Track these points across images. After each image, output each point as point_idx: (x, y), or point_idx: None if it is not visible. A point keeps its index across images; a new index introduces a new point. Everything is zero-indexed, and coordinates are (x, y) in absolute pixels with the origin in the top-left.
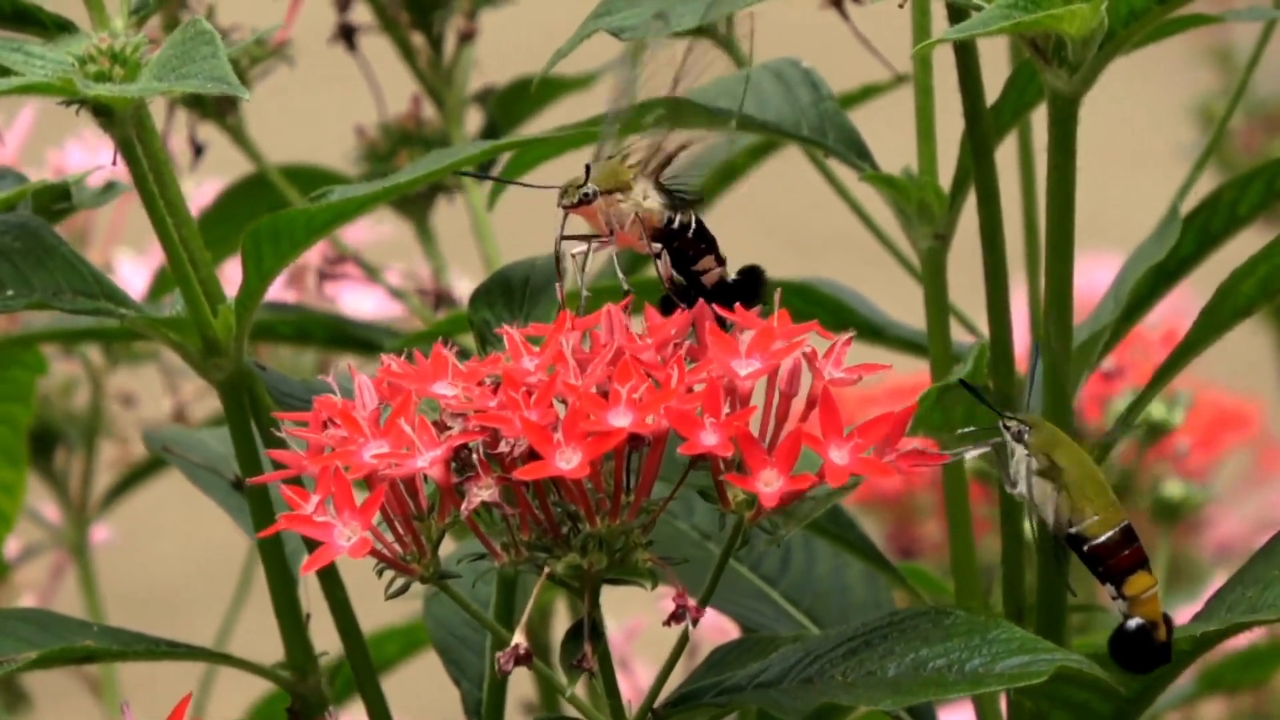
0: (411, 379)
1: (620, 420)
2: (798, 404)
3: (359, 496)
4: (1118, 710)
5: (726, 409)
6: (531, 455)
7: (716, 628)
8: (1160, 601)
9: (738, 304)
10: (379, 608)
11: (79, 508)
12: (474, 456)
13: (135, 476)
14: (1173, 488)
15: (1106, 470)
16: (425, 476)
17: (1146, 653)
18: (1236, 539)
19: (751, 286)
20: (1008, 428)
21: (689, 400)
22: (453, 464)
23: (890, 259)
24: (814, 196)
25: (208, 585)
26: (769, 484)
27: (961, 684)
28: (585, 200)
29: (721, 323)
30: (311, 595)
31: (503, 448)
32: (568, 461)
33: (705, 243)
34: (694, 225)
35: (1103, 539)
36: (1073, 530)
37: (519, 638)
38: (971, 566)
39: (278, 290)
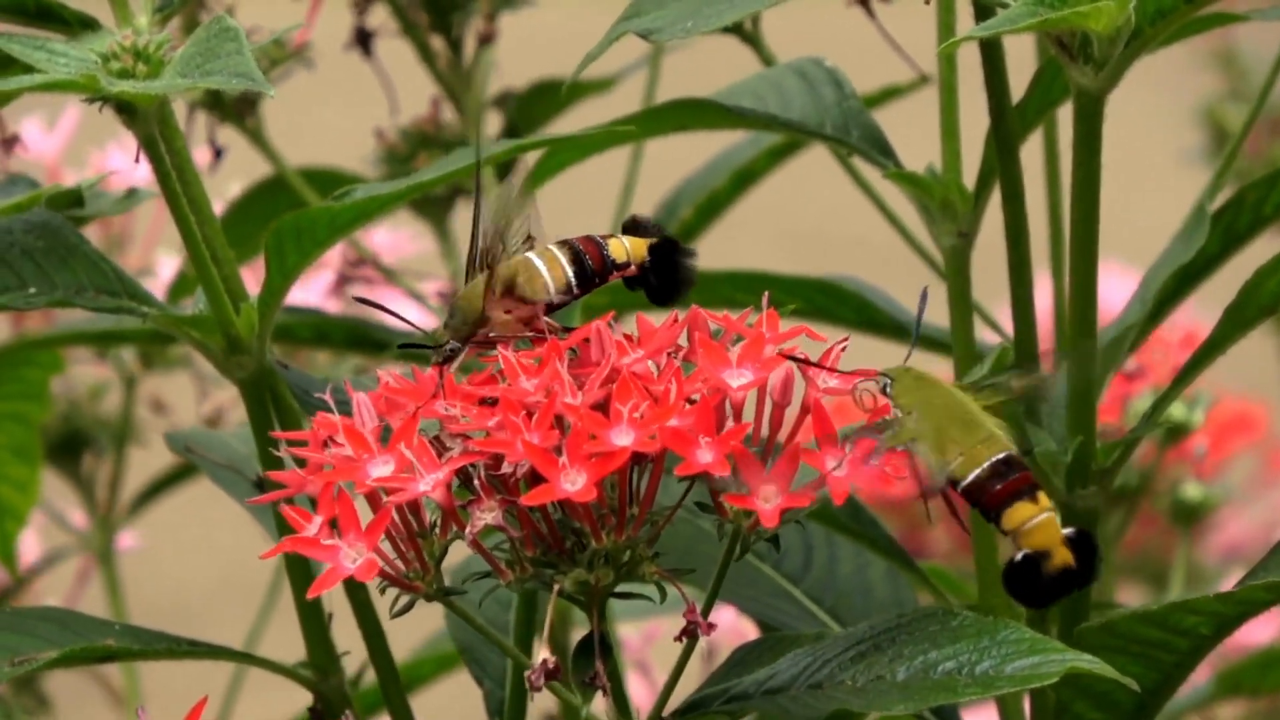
0: (412, 396)
1: (623, 439)
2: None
3: (364, 517)
4: (1140, 702)
5: (730, 421)
6: (535, 477)
7: (734, 629)
8: (1057, 527)
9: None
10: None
11: (105, 513)
12: (475, 480)
13: (164, 483)
14: (1191, 489)
15: (1125, 470)
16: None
17: (1037, 584)
18: (1244, 541)
19: (671, 280)
20: (878, 383)
21: (687, 415)
22: (455, 483)
23: (907, 264)
24: (832, 200)
25: (232, 595)
26: (768, 500)
27: (972, 687)
28: (451, 357)
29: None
30: (334, 596)
31: (505, 469)
32: (573, 484)
33: (591, 284)
34: (571, 287)
35: (970, 478)
36: (943, 473)
37: (545, 652)
38: (994, 566)
39: (316, 298)
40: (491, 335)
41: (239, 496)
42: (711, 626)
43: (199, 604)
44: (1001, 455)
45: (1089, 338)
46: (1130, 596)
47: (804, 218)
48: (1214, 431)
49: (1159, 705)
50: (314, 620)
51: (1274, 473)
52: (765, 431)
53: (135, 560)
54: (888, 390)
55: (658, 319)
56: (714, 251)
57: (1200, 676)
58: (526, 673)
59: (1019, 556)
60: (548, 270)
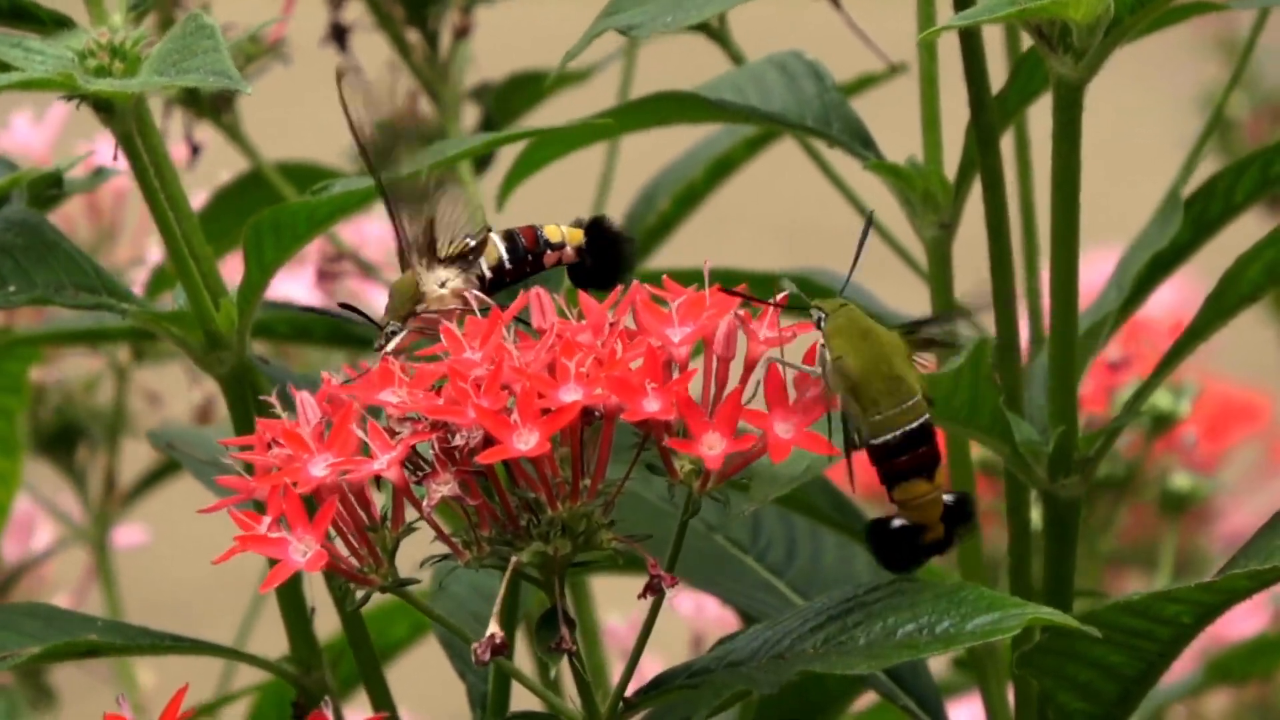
0: (356, 390)
1: (571, 395)
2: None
3: (310, 511)
4: (1122, 690)
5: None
6: (487, 443)
7: (721, 620)
8: (941, 504)
9: (665, 277)
10: None
11: (100, 505)
12: (430, 453)
13: (159, 474)
14: (1180, 479)
15: (1113, 461)
16: (379, 486)
17: (904, 551)
18: (1247, 531)
19: (609, 260)
20: (812, 314)
21: (633, 372)
22: (407, 468)
23: (899, 260)
24: (823, 194)
25: (229, 591)
26: (712, 447)
27: (934, 644)
28: (393, 336)
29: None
30: (317, 590)
31: (458, 441)
32: (525, 442)
33: (525, 264)
34: (503, 263)
35: (879, 440)
36: (857, 425)
37: (494, 626)
38: (977, 557)
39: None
40: (430, 310)
41: (221, 494)
42: (674, 580)
43: (199, 600)
44: (916, 424)
45: (1070, 327)
46: (1128, 584)
47: (792, 213)
48: (1216, 421)
49: (1142, 693)
50: (295, 615)
51: (1277, 462)
52: (713, 388)
53: (136, 557)
54: (822, 325)
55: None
56: (698, 247)
57: (1189, 666)
58: (473, 645)
59: (896, 523)
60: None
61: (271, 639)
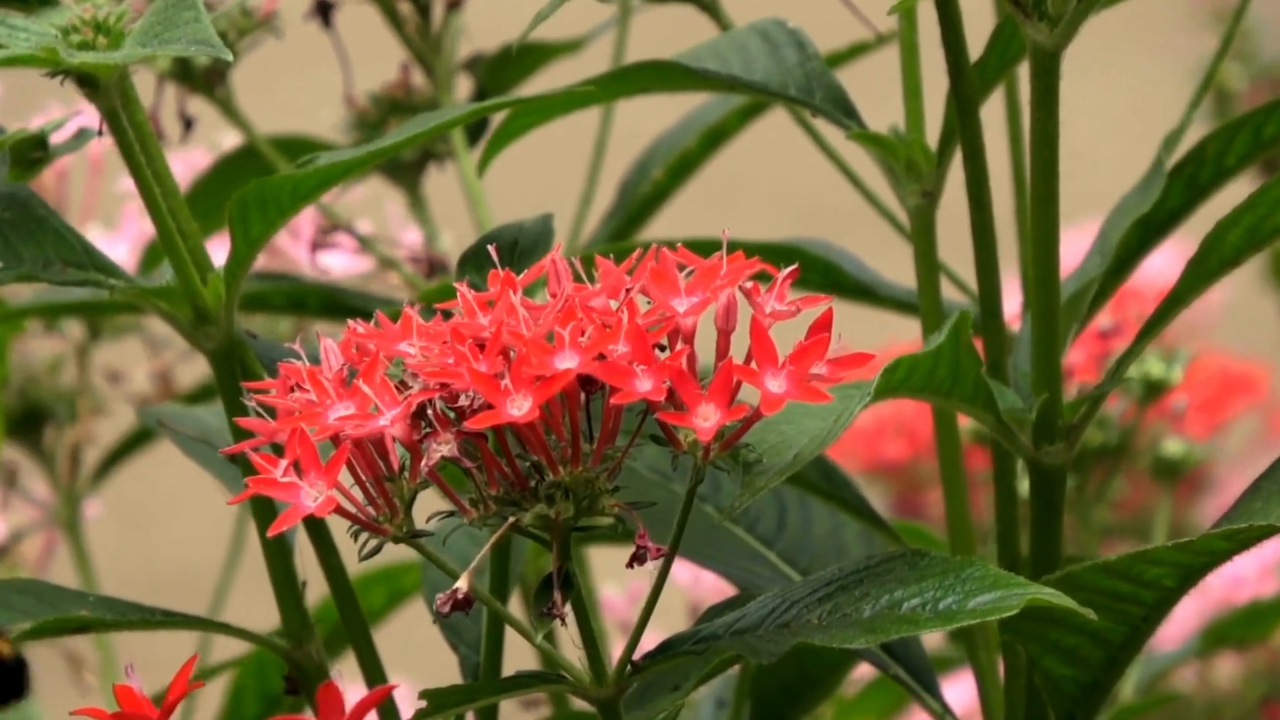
0: (377, 340)
1: (566, 363)
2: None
3: (325, 457)
4: (1108, 656)
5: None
6: (488, 407)
7: (718, 590)
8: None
9: (680, 246)
10: None
11: (69, 484)
12: (430, 412)
13: (123, 450)
14: (1173, 446)
15: (1104, 426)
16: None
17: None
18: None
19: None
20: None
21: (628, 341)
22: (421, 423)
23: (872, 225)
24: (821, 164)
25: (206, 567)
26: (706, 419)
27: (934, 621)
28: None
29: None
30: (308, 563)
31: (463, 401)
32: (519, 409)
33: None
34: None
35: None
36: None
37: (462, 581)
38: (966, 525)
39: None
40: None
41: (211, 468)
42: (661, 550)
43: (176, 577)
44: None
45: (1052, 294)
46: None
47: (785, 180)
48: (1214, 392)
49: (1128, 659)
50: (287, 588)
51: (1274, 434)
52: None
53: (110, 535)
54: None
55: None
56: (694, 217)
57: (1191, 630)
58: (436, 595)
59: None
60: None
61: (241, 619)
